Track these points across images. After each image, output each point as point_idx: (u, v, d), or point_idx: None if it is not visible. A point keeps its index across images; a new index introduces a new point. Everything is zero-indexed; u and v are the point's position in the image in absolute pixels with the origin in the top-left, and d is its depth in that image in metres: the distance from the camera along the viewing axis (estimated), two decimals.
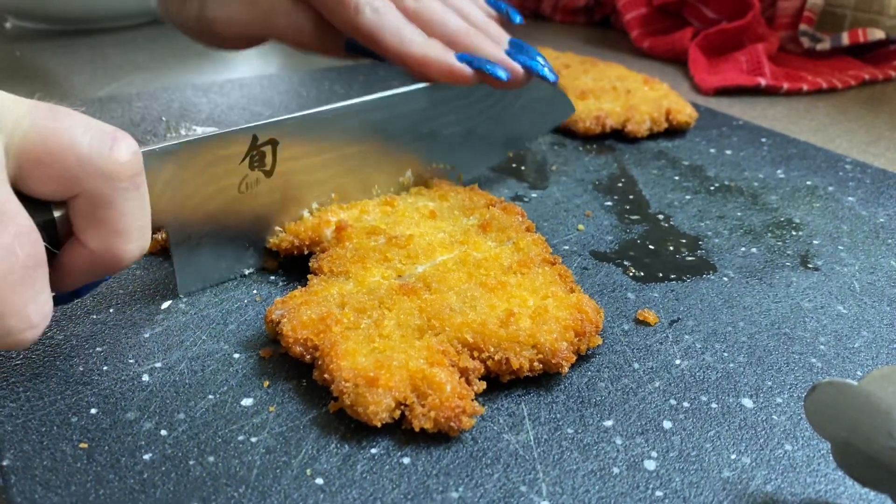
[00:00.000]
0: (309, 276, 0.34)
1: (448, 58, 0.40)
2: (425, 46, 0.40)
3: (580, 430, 0.28)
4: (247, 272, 0.37)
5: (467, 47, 0.41)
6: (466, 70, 0.40)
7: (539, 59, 0.42)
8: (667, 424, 0.28)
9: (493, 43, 0.42)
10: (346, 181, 0.39)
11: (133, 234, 0.27)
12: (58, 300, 0.29)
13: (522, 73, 0.41)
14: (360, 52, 0.43)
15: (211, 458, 0.26)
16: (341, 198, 0.39)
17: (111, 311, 0.34)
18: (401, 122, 0.41)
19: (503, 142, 0.48)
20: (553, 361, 0.29)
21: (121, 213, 0.27)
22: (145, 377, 0.30)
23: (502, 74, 0.40)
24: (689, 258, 0.40)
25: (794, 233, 0.43)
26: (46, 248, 0.25)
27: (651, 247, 0.41)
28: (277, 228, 0.37)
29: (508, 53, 0.42)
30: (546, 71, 0.42)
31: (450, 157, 0.44)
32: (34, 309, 0.24)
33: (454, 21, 0.42)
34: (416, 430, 0.26)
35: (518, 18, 0.46)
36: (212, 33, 0.44)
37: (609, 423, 0.28)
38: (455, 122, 0.43)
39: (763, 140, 0.58)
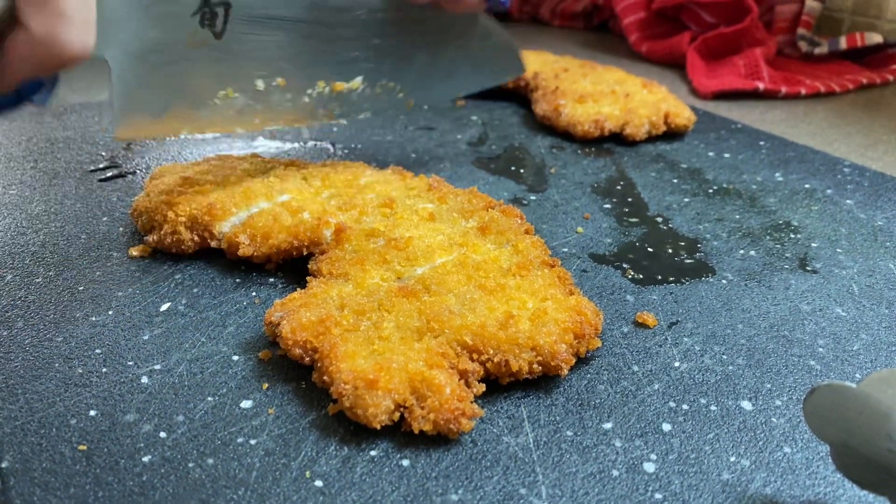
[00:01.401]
0: (308, 279, 0.34)
1: None
2: None
3: (579, 433, 0.28)
4: (182, 137, 0.37)
5: None
6: None
7: None
8: (666, 427, 0.28)
9: None
10: (293, 67, 0.40)
11: (76, 21, 0.28)
12: (3, 104, 0.30)
13: None
14: None
15: (210, 461, 0.26)
16: (287, 84, 0.40)
17: (110, 313, 0.34)
18: (354, 24, 0.42)
19: (450, 80, 0.49)
20: (552, 364, 0.29)
21: None
22: (144, 379, 0.30)
23: None
24: (688, 261, 0.40)
25: (792, 235, 0.43)
26: None
27: (650, 249, 0.41)
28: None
29: None
30: None
31: (398, 77, 0.45)
32: None
33: None
34: (416, 432, 0.26)
35: None
36: None
37: (608, 425, 0.28)
38: (406, 43, 0.45)
39: (761, 143, 0.58)
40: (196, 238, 0.38)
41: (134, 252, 0.39)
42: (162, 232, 0.38)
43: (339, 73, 0.42)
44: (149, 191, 0.41)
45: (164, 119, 0.36)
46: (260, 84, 0.39)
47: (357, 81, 0.43)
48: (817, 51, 0.83)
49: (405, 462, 0.26)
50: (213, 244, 0.38)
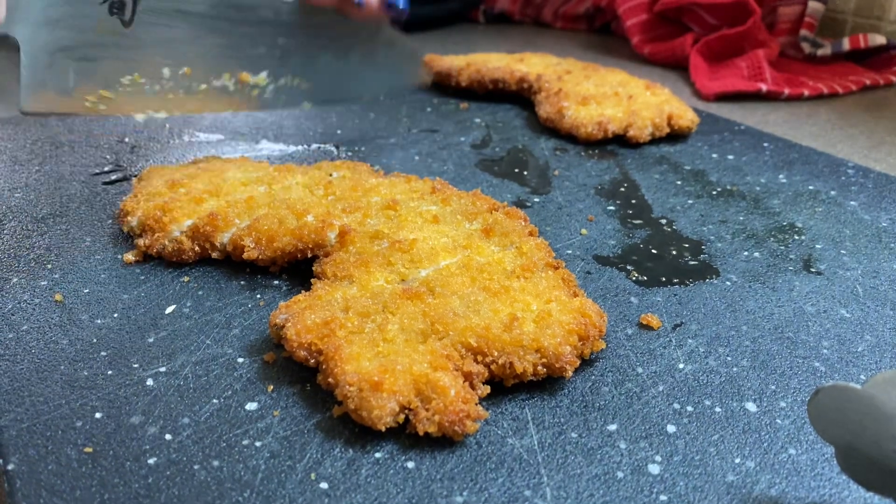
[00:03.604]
0: (313, 281, 0.34)
1: None
2: None
3: (584, 435, 0.28)
4: (89, 105, 0.39)
5: None
6: None
7: None
8: (671, 428, 0.28)
9: None
10: (199, 58, 0.42)
11: None
12: None
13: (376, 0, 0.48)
14: None
15: (216, 463, 0.26)
16: (193, 75, 0.42)
17: (115, 315, 0.34)
18: (260, 22, 0.45)
19: (353, 81, 0.52)
20: (557, 365, 0.29)
21: None
22: (150, 381, 0.30)
23: None
24: (692, 262, 0.40)
25: (796, 237, 0.43)
26: None
27: (654, 251, 0.41)
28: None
29: None
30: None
31: (302, 74, 0.47)
32: None
33: None
34: (421, 434, 0.26)
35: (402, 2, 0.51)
36: None
37: (613, 427, 0.28)
38: (311, 44, 0.48)
39: (765, 145, 0.58)
40: (197, 248, 0.38)
41: (130, 257, 0.39)
42: (155, 237, 0.38)
43: (244, 67, 0.45)
44: (136, 192, 0.42)
45: (72, 95, 0.38)
46: (166, 72, 0.41)
47: (262, 77, 0.45)
48: (820, 52, 0.83)
49: (410, 464, 0.26)
50: (214, 255, 0.38)
